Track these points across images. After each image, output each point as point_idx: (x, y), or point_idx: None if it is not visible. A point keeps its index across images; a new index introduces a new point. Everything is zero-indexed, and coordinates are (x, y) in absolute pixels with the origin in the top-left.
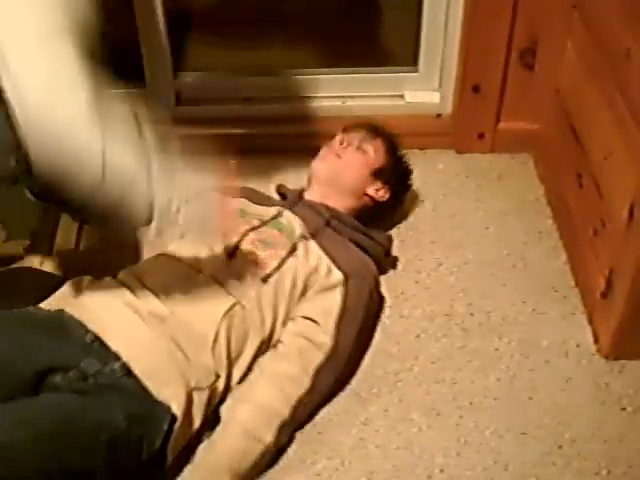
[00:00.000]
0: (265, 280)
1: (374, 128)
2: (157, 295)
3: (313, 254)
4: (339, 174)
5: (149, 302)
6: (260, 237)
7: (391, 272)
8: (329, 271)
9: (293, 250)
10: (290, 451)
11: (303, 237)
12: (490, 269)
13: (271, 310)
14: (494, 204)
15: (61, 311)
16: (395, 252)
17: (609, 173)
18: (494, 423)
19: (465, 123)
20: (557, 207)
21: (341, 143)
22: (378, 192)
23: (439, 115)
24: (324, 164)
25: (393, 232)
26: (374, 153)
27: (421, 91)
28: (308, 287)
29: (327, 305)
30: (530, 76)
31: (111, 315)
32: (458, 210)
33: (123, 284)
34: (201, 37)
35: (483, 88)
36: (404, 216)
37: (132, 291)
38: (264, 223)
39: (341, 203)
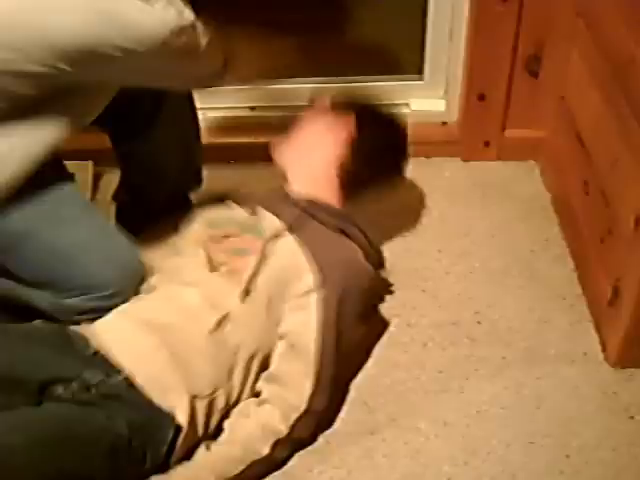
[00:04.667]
0: (244, 292)
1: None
2: (156, 306)
3: (284, 251)
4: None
5: (148, 312)
6: (234, 245)
7: (397, 280)
8: (301, 275)
9: (264, 253)
10: (297, 460)
11: (275, 235)
12: (497, 277)
13: (255, 322)
14: (500, 212)
15: (64, 326)
16: (401, 261)
17: (615, 181)
18: (501, 432)
19: (471, 131)
20: (564, 215)
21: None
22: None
23: (445, 123)
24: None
25: (399, 240)
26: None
27: (427, 99)
28: (284, 293)
29: (305, 326)
30: (535, 84)
31: (113, 327)
32: (464, 218)
33: None
34: None
35: (488, 96)
36: (410, 224)
37: (132, 302)
38: (239, 230)
39: (321, 192)
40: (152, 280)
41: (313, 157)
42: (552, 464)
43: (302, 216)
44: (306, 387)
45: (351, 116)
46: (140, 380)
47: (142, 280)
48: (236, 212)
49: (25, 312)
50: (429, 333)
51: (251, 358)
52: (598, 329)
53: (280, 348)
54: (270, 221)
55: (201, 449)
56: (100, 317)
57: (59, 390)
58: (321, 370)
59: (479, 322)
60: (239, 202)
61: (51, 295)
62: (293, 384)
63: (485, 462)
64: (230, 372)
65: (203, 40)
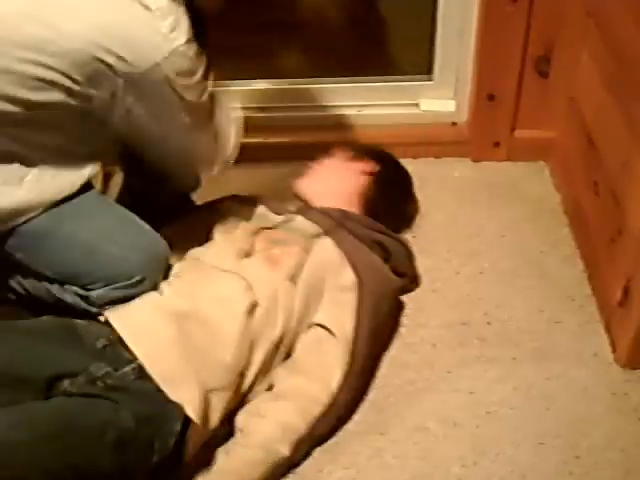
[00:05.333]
0: (288, 278)
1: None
2: (180, 292)
3: (326, 250)
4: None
5: (173, 300)
6: (273, 237)
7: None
8: (340, 272)
9: (306, 248)
10: (307, 461)
11: (316, 235)
12: (506, 278)
13: (285, 310)
14: (510, 212)
15: (72, 320)
16: None
17: (625, 181)
18: (511, 432)
19: (480, 131)
20: (573, 215)
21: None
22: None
23: (454, 123)
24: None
25: (408, 240)
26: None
27: (436, 99)
28: (322, 288)
29: (342, 319)
30: (545, 84)
31: (133, 314)
32: (474, 218)
33: None
34: (215, 46)
35: (498, 96)
36: (420, 224)
37: (158, 289)
38: (276, 226)
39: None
40: (176, 268)
41: (335, 185)
42: (561, 465)
43: (334, 224)
44: (333, 379)
45: (366, 158)
46: (151, 371)
47: (168, 266)
48: (269, 214)
49: (49, 307)
50: (438, 333)
51: (272, 346)
52: (608, 330)
53: (308, 339)
54: (304, 225)
55: (220, 455)
56: None
57: (65, 384)
58: (352, 365)
59: (489, 322)
60: (270, 207)
61: (78, 289)
62: (319, 375)
63: (494, 463)
64: (250, 359)
65: (202, 60)
